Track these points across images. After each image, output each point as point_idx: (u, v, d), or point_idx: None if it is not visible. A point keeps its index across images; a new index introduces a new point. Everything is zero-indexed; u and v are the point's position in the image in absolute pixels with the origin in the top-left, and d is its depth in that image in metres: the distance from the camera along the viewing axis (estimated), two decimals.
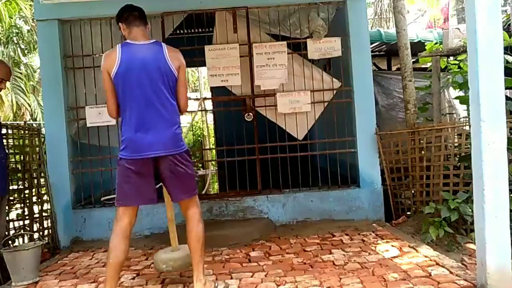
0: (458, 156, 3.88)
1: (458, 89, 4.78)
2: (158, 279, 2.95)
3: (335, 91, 4.52)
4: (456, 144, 3.93)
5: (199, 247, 2.58)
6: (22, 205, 3.95)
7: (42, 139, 4.36)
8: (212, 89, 6.14)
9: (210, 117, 10.23)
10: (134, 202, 2.56)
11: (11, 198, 3.84)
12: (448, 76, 5.12)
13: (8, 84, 15.39)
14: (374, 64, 6.30)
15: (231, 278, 2.87)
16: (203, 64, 4.47)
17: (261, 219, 4.25)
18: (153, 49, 2.55)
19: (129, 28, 2.60)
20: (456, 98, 4.76)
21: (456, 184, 3.87)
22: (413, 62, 4.69)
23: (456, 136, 3.98)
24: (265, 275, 2.88)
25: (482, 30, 2.25)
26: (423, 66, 6.29)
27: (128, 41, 2.59)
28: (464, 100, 4.40)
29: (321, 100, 4.48)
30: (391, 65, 7.25)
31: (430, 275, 2.62)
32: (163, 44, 2.61)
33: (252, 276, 2.88)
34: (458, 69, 4.67)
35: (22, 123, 4.19)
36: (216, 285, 2.70)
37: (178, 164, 2.55)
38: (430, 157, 4.07)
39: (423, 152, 4.16)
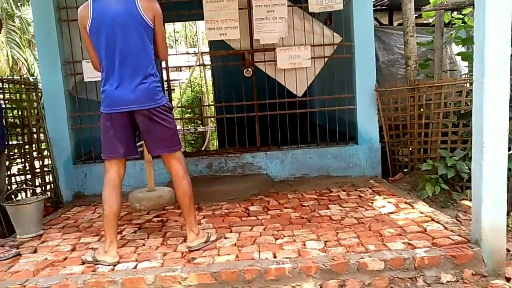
0: (457, 113, 3.88)
1: (461, 45, 4.69)
2: (160, 233, 3.03)
3: (335, 46, 4.43)
4: (455, 102, 3.91)
5: (187, 201, 2.66)
6: (23, 160, 3.98)
7: (40, 94, 4.32)
8: (211, 43, 5.99)
9: (208, 73, 10.09)
10: (115, 154, 2.62)
11: (12, 153, 3.86)
12: (452, 32, 5.01)
13: (2, 38, 14.92)
14: (375, 19, 6.13)
15: (231, 232, 2.94)
16: (201, 17, 4.35)
17: (260, 175, 4.30)
18: (124, 1, 2.48)
19: None
20: (458, 54, 4.68)
21: (454, 142, 3.89)
22: (416, 17, 4.57)
23: (456, 94, 3.95)
24: (264, 229, 2.95)
25: None
26: (425, 21, 6.15)
27: None
28: (466, 56, 4.34)
29: (321, 55, 4.40)
30: (392, 20, 7.08)
31: (426, 230, 2.69)
32: None
33: (251, 230, 2.96)
34: (463, 24, 4.56)
35: (18, 77, 4.12)
36: (209, 235, 2.77)
37: (153, 118, 2.55)
38: (429, 115, 4.07)
39: (422, 109, 4.14)
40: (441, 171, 3.52)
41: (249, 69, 4.36)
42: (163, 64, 4.53)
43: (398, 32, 5.63)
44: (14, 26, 15.16)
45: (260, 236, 2.81)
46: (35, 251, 2.82)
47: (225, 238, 2.82)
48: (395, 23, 7.12)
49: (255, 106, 4.43)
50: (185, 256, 2.55)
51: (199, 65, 4.81)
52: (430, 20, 5.52)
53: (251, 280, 2.27)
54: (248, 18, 4.31)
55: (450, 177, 3.53)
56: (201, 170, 4.37)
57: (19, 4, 15.48)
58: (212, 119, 9.23)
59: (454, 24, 4.72)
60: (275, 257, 2.43)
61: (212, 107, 8.04)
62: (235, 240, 2.76)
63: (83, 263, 2.53)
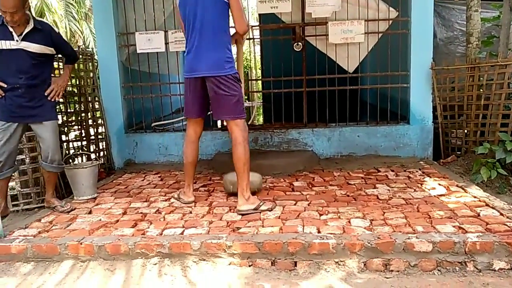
0: None
1: None
2: (206, 202, 3.11)
3: (391, 21, 4.24)
4: None
5: (240, 166, 2.84)
6: (79, 127, 4.18)
7: (96, 64, 4.48)
8: (260, 16, 5.91)
9: (257, 48, 10.01)
10: (190, 114, 3.04)
11: (70, 120, 4.07)
12: None
13: (61, 10, 15.48)
14: None
15: (275, 205, 2.96)
16: None
17: (305, 151, 4.27)
18: None
19: None
20: None
21: None
22: None
23: None
24: (308, 204, 2.95)
25: None
26: None
27: None
28: None
29: (375, 30, 4.23)
30: None
31: (479, 215, 2.57)
32: None
33: (295, 204, 2.96)
34: None
35: (76, 48, 4.29)
36: (260, 203, 2.87)
37: (220, 86, 2.82)
38: (489, 95, 3.83)
39: (481, 90, 3.90)
40: (499, 155, 3.34)
41: (300, 43, 4.28)
42: None
43: (460, 7, 5.27)
44: None
45: (304, 211, 2.81)
46: (90, 212, 3.00)
47: (269, 210, 2.84)
48: None
49: (304, 81, 4.36)
50: (230, 225, 2.60)
51: (248, 39, 4.77)
52: None
53: (294, 253, 2.29)
54: None
55: (508, 162, 3.33)
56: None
57: None
58: (258, 94, 9.21)
59: None
60: (319, 232, 2.42)
61: (259, 82, 8.00)
62: (279, 213, 2.78)
63: (134, 225, 2.66)
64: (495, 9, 4.86)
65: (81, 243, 2.40)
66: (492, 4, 5.06)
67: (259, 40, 6.09)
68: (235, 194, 3.03)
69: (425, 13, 4.08)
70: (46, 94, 3.00)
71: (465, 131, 4.06)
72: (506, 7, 3.93)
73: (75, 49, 4.24)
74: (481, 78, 3.89)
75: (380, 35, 4.27)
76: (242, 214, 2.78)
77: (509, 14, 3.94)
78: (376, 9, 4.21)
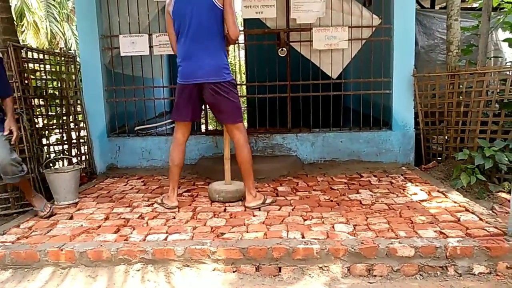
0: (499, 102, 3.72)
1: (509, 30, 4.45)
2: (190, 207, 3.08)
3: (374, 29, 4.31)
4: (499, 90, 3.74)
5: (246, 166, 3.02)
6: (61, 130, 4.10)
7: (78, 67, 4.42)
8: (245, 21, 5.93)
9: (241, 53, 10.01)
10: (180, 118, 3.06)
11: (51, 123, 3.99)
12: (499, 16, 4.76)
13: (42, 11, 15.22)
14: (417, 1, 5.89)
15: (259, 210, 2.96)
16: None
17: (290, 156, 4.29)
18: None
19: None
20: (505, 40, 4.45)
21: (493, 132, 3.74)
22: (461, 1, 4.35)
23: (500, 82, 3.78)
24: (292, 209, 2.96)
25: None
26: (469, 5, 5.86)
27: None
28: None
29: (358, 37, 4.29)
30: (434, 4, 6.78)
31: (459, 220, 2.62)
32: None
33: (279, 210, 2.97)
34: None
35: (58, 50, 4.23)
36: (265, 197, 3.07)
37: (219, 92, 2.89)
38: (468, 103, 3.92)
39: (461, 97, 3.99)
40: (478, 161, 3.41)
41: (284, 49, 4.30)
42: None
43: (441, 16, 5.39)
44: (54, 0, 15.48)
45: (289, 216, 2.82)
46: (71, 218, 2.94)
47: (254, 216, 2.84)
48: (436, 7, 6.83)
49: (288, 86, 4.39)
50: (215, 231, 2.59)
51: (233, 43, 4.77)
52: (474, 5, 5.25)
53: (279, 258, 2.29)
54: None
55: (487, 168, 3.41)
56: (230, 149, 4.38)
57: None
58: (243, 99, 9.21)
59: (503, 8, 4.47)
60: (303, 237, 2.43)
61: (244, 86, 8.01)
62: (263, 219, 2.78)
63: (117, 230, 2.62)
64: (474, 18, 4.99)
65: (61, 250, 2.35)
66: (471, 14, 5.20)
67: (243, 45, 6.10)
68: (219, 202, 3.13)
69: (407, 21, 4.15)
70: (7, 139, 2.81)
71: (446, 137, 4.14)
72: (484, 16, 4.04)
73: (57, 50, 4.18)
74: (461, 86, 3.98)
75: (363, 41, 4.33)
76: (252, 209, 2.97)
77: (487, 24, 4.04)
78: (360, 16, 4.27)
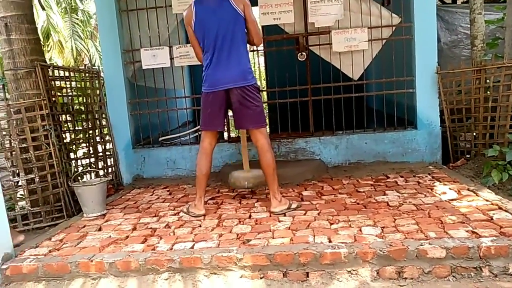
0: None
1: None
2: (215, 215, 3.10)
3: (394, 28, 4.24)
4: None
5: (270, 171, 3.05)
6: (87, 144, 4.21)
7: (102, 82, 4.54)
8: (264, 28, 5.95)
9: (261, 59, 10.04)
10: (210, 127, 3.11)
11: (78, 137, 4.10)
12: None
13: (67, 31, 15.70)
14: None
15: (284, 215, 2.94)
16: (254, 3, 4.32)
17: (313, 160, 4.25)
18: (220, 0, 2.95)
19: None
20: None
21: None
22: None
23: None
24: (318, 214, 2.93)
25: None
26: None
27: None
28: None
29: (378, 37, 4.23)
30: None
31: (492, 218, 2.53)
32: None
33: (305, 214, 2.94)
34: None
35: (82, 67, 4.35)
36: (291, 202, 3.07)
37: (245, 96, 2.98)
38: (496, 97, 3.80)
39: (488, 92, 3.87)
40: (510, 157, 3.30)
41: (303, 53, 4.29)
42: None
43: (463, 10, 5.27)
44: (78, 19, 16.00)
45: (315, 220, 2.79)
46: (100, 229, 3.00)
47: (279, 221, 2.83)
48: (458, 2, 6.67)
49: (309, 90, 4.36)
50: (240, 237, 2.58)
51: (252, 51, 4.80)
52: None
53: (306, 264, 2.26)
54: (302, 1, 4.23)
55: None
56: (254, 155, 4.37)
57: None
58: (264, 104, 9.22)
59: None
60: (330, 241, 2.40)
61: (264, 92, 8.01)
62: (289, 224, 2.76)
63: (144, 240, 2.65)
64: (498, 11, 4.85)
65: (91, 261, 2.40)
66: (495, 6, 5.05)
67: (263, 51, 6.12)
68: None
69: (428, 18, 4.07)
70: None
71: (474, 134, 4.02)
72: (510, 8, 3.92)
73: (81, 67, 4.30)
74: (488, 81, 3.86)
75: (383, 41, 4.27)
76: (277, 214, 2.96)
77: None
78: (379, 16, 4.22)
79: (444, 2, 6.56)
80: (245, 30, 3.02)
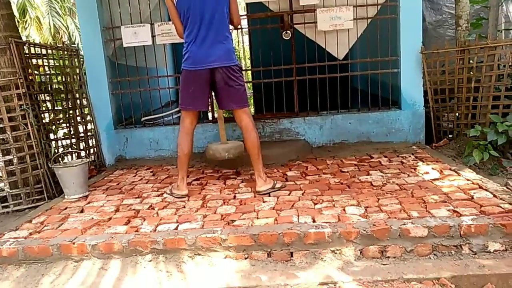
0: None
1: None
2: (199, 195, 3.07)
3: (379, 7, 4.20)
4: (510, 64, 3.64)
5: (255, 151, 3.05)
6: (68, 124, 4.11)
7: (82, 60, 4.40)
8: (248, 5, 5.84)
9: (246, 38, 9.90)
10: (192, 106, 3.04)
11: (57, 117, 3.99)
12: None
13: (44, 7, 15.21)
14: None
15: (269, 196, 2.94)
16: None
17: (298, 140, 4.25)
18: None
19: None
20: None
21: (506, 107, 3.66)
22: None
23: (511, 55, 3.67)
24: (302, 194, 2.93)
25: None
26: None
27: None
28: None
29: (364, 16, 4.19)
30: None
31: (473, 198, 2.57)
32: None
33: (289, 195, 2.94)
34: None
35: (61, 44, 4.21)
36: (275, 182, 3.07)
37: (230, 76, 2.94)
38: (479, 78, 3.82)
39: (472, 72, 3.90)
40: (491, 137, 3.34)
41: (288, 31, 4.23)
42: None
43: None
44: None
45: (299, 200, 2.79)
46: (82, 211, 2.95)
47: (264, 202, 2.82)
48: None
49: (294, 70, 4.32)
50: (225, 218, 2.57)
51: (237, 29, 4.71)
52: None
53: (290, 243, 2.27)
54: None
55: (500, 143, 3.34)
56: (238, 135, 4.35)
57: None
58: (248, 84, 9.14)
59: None
60: (314, 221, 2.41)
61: (249, 72, 7.93)
62: (273, 204, 2.76)
63: (127, 222, 2.62)
64: None
65: (73, 243, 2.36)
66: None
67: (247, 29, 6.01)
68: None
69: None
70: None
71: (457, 114, 4.06)
72: None
73: (59, 45, 4.16)
74: (471, 61, 3.88)
75: (369, 20, 4.23)
76: (262, 194, 2.97)
77: None
78: None
79: None
80: (229, 9, 2.98)
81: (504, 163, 3.32)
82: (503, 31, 4.82)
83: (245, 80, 3.28)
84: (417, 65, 4.11)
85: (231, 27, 3.09)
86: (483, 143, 3.38)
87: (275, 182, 3.07)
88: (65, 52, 4.20)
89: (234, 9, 3.01)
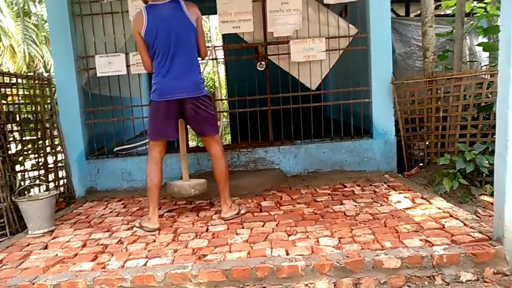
0: (477, 106, 3.74)
1: (483, 35, 4.52)
2: (171, 228, 2.99)
3: (351, 38, 4.32)
4: (475, 94, 3.77)
5: (223, 178, 3.11)
6: (36, 155, 3.98)
7: (54, 89, 4.32)
8: (224, 37, 5.93)
9: (222, 68, 10.02)
10: (161, 137, 3.05)
11: (25, 148, 3.87)
12: (472, 21, 4.84)
13: (19, 35, 15.02)
14: (392, 10, 5.98)
15: (242, 228, 2.89)
16: (214, 11, 4.28)
17: (273, 169, 4.24)
18: (174, 7, 2.91)
19: None
20: (479, 44, 4.51)
21: (473, 136, 3.76)
22: (434, 8, 4.42)
23: (476, 86, 3.81)
24: (276, 225, 2.89)
25: None
26: (442, 12, 5.97)
27: (150, 2, 2.95)
28: (488, 47, 4.19)
29: (336, 47, 4.30)
30: (409, 12, 6.90)
31: (444, 227, 2.59)
32: (180, 1, 2.95)
33: (263, 226, 2.90)
34: (484, 13, 4.39)
35: (32, 73, 4.13)
36: (240, 208, 3.16)
37: (199, 105, 2.98)
38: (447, 108, 3.94)
39: (440, 102, 4.01)
40: (460, 166, 3.41)
41: (263, 62, 4.29)
42: None
43: (416, 23, 5.47)
44: (30, 23, 15.32)
45: (273, 232, 2.75)
46: (45, 247, 2.81)
47: (237, 234, 2.77)
48: (411, 15, 6.94)
49: (268, 100, 4.36)
50: (196, 252, 2.50)
51: (213, 59, 4.75)
52: (448, 12, 5.36)
53: (263, 278, 2.22)
54: (261, 11, 4.23)
55: (468, 171, 3.41)
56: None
57: (36, 1, 15.62)
58: (225, 113, 9.18)
59: (475, 13, 4.55)
60: (287, 254, 2.37)
61: (225, 101, 7.98)
62: (247, 236, 2.71)
63: (94, 258, 2.52)
64: (448, 24, 5.06)
65: (33, 283, 2.23)
66: (445, 20, 5.29)
67: (223, 60, 6.08)
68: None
69: (384, 30, 4.17)
70: None
71: (427, 143, 4.14)
72: (458, 22, 4.09)
73: (32, 73, 4.08)
74: (439, 91, 4.00)
75: (341, 52, 4.34)
76: (227, 220, 3.04)
77: (461, 29, 4.10)
78: (336, 27, 4.29)
79: (398, 15, 6.80)
80: (196, 40, 3.03)
81: (473, 191, 3.38)
82: (467, 63, 5.01)
83: (217, 109, 3.28)
84: (388, 95, 4.21)
85: (200, 58, 3.15)
86: (452, 171, 3.44)
87: (240, 208, 3.16)
88: (36, 81, 4.12)
89: (201, 41, 3.06)
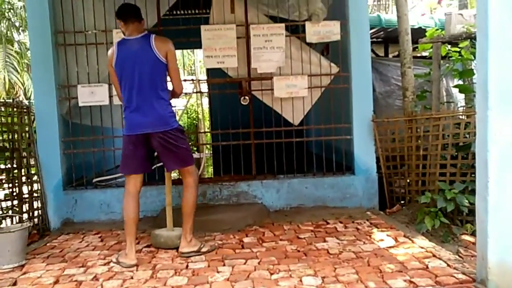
0: (455, 145, 3.83)
1: (458, 78, 4.70)
2: (149, 265, 2.89)
3: (332, 76, 4.43)
4: (453, 134, 3.87)
5: (188, 210, 3.01)
6: (11, 185, 3.85)
7: (32, 118, 4.24)
8: (208, 71, 5.99)
9: (205, 100, 10.07)
10: (132, 171, 3.03)
11: (0, 177, 3.74)
12: (448, 64, 5.04)
13: (0, 62, 14.78)
14: (372, 50, 6.19)
15: (224, 265, 2.81)
16: (199, 45, 4.34)
17: (255, 204, 4.19)
18: (142, 42, 2.94)
19: (126, 26, 2.99)
20: (455, 86, 4.69)
21: (452, 174, 3.82)
22: (412, 50, 4.60)
23: (454, 126, 3.92)
24: (258, 263, 2.83)
25: (494, 12, 2.14)
26: (419, 54, 6.21)
27: (124, 37, 3.02)
28: (464, 89, 4.35)
29: (318, 85, 4.39)
30: (388, 52, 7.16)
31: (427, 267, 2.58)
32: (152, 36, 2.97)
33: (245, 264, 2.83)
34: (459, 57, 4.58)
35: (10, 100, 4.05)
36: (201, 245, 3.04)
37: (167, 140, 2.92)
38: (427, 146, 4.02)
39: (419, 140, 4.10)
40: (440, 204, 3.44)
41: (246, 97, 4.33)
42: None
43: (395, 63, 5.66)
44: (13, 50, 15.21)
45: (255, 270, 2.68)
46: (15, 283, 2.66)
47: (218, 272, 2.69)
48: (390, 55, 7.20)
49: (251, 134, 4.38)
50: None
51: (196, 92, 4.77)
52: (425, 54, 5.58)
53: None
54: (246, 47, 4.32)
55: (449, 210, 3.45)
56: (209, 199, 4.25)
57: (20, 29, 15.58)
58: (207, 146, 9.15)
59: (451, 56, 4.74)
60: None
61: (208, 134, 7.98)
62: (228, 274, 2.63)
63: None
64: (425, 66, 5.25)
65: None
66: (422, 62, 5.49)
67: (207, 93, 6.13)
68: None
69: (364, 69, 4.29)
70: None
71: (408, 180, 4.19)
72: (435, 64, 4.26)
73: (9, 101, 4.00)
74: (418, 130, 4.09)
75: (322, 89, 4.43)
76: (185, 257, 2.94)
77: (438, 71, 4.26)
78: (318, 65, 4.39)
79: (378, 55, 7.04)
80: (166, 76, 3.02)
81: (454, 230, 3.40)
82: (445, 103, 5.18)
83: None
84: (369, 132, 4.28)
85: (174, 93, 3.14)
86: (433, 209, 3.47)
87: (202, 245, 3.05)
88: (15, 109, 4.04)
89: (173, 75, 3.05)
